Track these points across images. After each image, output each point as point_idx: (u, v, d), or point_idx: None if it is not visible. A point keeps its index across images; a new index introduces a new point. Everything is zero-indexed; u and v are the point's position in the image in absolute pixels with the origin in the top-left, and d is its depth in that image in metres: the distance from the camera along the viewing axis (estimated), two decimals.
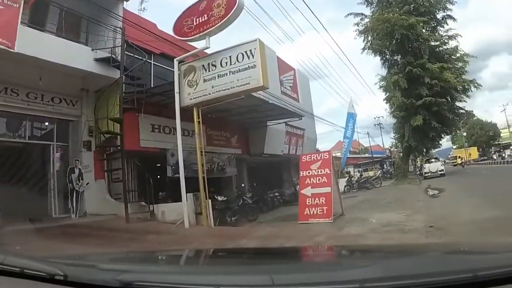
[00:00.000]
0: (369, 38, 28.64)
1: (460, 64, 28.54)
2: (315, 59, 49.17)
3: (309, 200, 10.10)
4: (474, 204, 10.10)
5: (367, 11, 29.97)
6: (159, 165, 13.88)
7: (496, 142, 72.18)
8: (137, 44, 11.91)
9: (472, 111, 37.87)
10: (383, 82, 30.49)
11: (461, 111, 31.07)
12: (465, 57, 28.65)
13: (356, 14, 29.39)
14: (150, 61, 13.40)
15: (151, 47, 12.97)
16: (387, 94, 30.58)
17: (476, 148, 68.22)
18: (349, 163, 37.01)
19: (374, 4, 29.65)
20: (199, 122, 10.90)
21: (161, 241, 8.30)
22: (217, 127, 15.71)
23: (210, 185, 12.62)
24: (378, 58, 30.22)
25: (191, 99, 10.91)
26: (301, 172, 10.83)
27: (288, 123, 18.62)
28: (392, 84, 27.53)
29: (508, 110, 65.53)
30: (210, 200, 10.74)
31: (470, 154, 65.58)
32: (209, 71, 10.70)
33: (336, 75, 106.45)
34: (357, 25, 29.24)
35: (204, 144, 14.42)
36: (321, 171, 10.33)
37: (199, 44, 11.46)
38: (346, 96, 68.30)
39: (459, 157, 59.22)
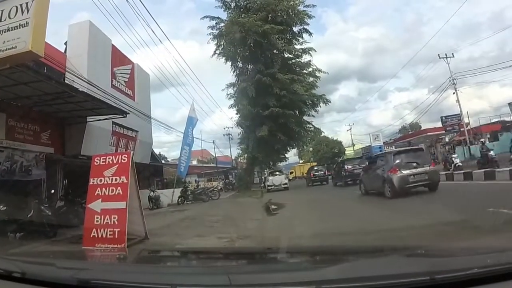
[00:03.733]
0: (222, 43, 28.75)
1: (312, 78, 30.41)
2: (170, 67, 48.41)
3: (97, 217, 8.11)
4: (310, 222, 10.06)
5: (225, 15, 30.01)
6: None
7: (341, 159, 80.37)
8: None
9: (320, 128, 41.06)
10: (231, 90, 30.80)
11: (308, 125, 33.03)
12: (317, 72, 30.61)
13: (212, 18, 29.39)
14: None
15: None
16: (234, 101, 30.93)
17: (315, 163, 74.66)
18: (193, 172, 36.85)
19: (232, 9, 29.84)
20: None
21: None
22: (23, 119, 13.30)
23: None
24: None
25: None
26: (91, 179, 8.71)
27: (118, 122, 17.22)
28: (240, 92, 28.05)
29: (353, 130, 73.61)
30: None
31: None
32: None
33: (194, 84, 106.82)
34: (212, 29, 29.26)
35: (1, 137, 12.60)
36: (116, 180, 8.39)
37: None
38: (204, 104, 69.32)
39: (291, 172, 67.85)
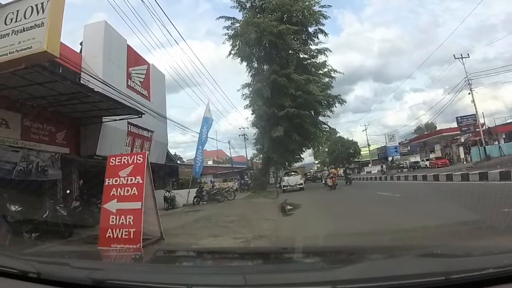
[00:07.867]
0: (238, 43, 28.70)
1: (327, 79, 30.11)
2: (186, 68, 48.49)
3: (113, 218, 8.00)
4: (325, 224, 9.90)
5: (240, 16, 29.89)
6: None
7: (356, 159, 79.74)
8: None
9: (335, 129, 40.75)
10: (246, 90, 30.72)
11: (324, 126, 32.64)
12: (332, 72, 30.26)
13: (228, 18, 29.28)
14: None
15: None
16: (249, 102, 30.73)
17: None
18: (208, 172, 36.79)
19: (247, 9, 29.69)
20: None
21: None
22: (39, 119, 13.21)
23: (13, 189, 10.87)
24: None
25: None
26: (106, 180, 8.54)
27: (133, 122, 17.13)
28: (255, 92, 27.89)
29: (368, 131, 72.95)
30: None
31: None
32: None
33: (209, 84, 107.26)
34: (227, 29, 29.15)
35: (17, 138, 12.51)
36: (131, 180, 8.23)
37: None
38: (219, 104, 69.27)
39: None
